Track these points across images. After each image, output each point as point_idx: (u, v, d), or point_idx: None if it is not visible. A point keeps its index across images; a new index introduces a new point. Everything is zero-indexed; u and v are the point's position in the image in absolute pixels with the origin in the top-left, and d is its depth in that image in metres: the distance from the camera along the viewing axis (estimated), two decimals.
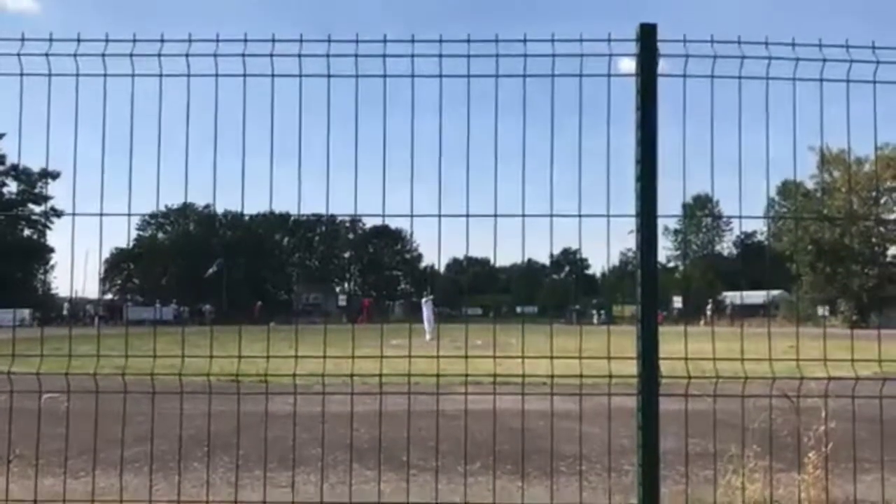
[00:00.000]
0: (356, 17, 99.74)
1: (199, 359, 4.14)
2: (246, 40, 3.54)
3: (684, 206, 4.41)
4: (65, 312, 56.32)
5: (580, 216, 3.64)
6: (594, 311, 70.21)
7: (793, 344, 3.90)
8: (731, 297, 68.84)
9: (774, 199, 71.22)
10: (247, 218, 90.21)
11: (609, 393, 3.76)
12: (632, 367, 3.70)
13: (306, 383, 4.16)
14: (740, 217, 3.89)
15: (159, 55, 3.54)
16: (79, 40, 3.50)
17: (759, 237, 79.87)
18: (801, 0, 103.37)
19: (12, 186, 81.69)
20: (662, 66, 3.58)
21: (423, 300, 30.48)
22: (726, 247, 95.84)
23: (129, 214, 3.77)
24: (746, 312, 60.43)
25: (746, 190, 3.91)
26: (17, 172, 72.42)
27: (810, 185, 54.55)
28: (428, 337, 26.32)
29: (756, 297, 62.32)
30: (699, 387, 3.81)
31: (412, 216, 3.70)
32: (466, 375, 3.68)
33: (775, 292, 62.22)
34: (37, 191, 77.08)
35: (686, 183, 3.86)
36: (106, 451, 5.56)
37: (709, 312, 61.06)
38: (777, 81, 3.66)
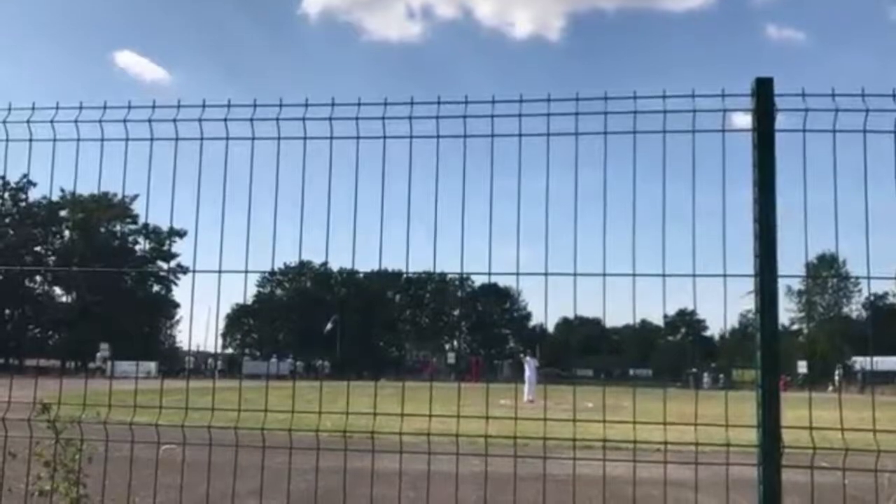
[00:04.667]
0: (463, 83, 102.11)
1: (310, 414, 4.20)
2: (359, 104, 3.66)
3: (807, 265, 4.14)
4: (188, 366, 58.71)
5: (694, 276, 3.51)
6: (705, 374, 67.69)
7: None
8: (862, 362, 64.65)
9: None
10: (360, 275, 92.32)
11: (727, 463, 3.56)
12: (751, 434, 3.49)
13: (413, 441, 4.14)
14: (868, 278, 3.66)
15: (278, 119, 3.70)
16: (204, 106, 3.71)
17: (892, 299, 75.22)
18: None
19: (144, 244, 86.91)
20: (779, 120, 3.46)
21: (526, 359, 30.12)
22: (855, 309, 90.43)
23: (245, 272, 3.91)
24: (879, 379, 56.68)
25: (875, 249, 3.69)
26: (148, 231, 76.92)
27: None
28: (526, 398, 25.87)
29: (890, 363, 58.38)
30: (826, 459, 3.56)
31: (518, 274, 3.68)
32: (575, 440, 3.58)
33: None
34: (165, 248, 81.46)
35: (809, 242, 3.67)
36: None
37: (837, 378, 57.66)
38: None
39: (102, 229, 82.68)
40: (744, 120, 3.55)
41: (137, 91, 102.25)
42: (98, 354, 62.10)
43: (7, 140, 4.13)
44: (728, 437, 3.58)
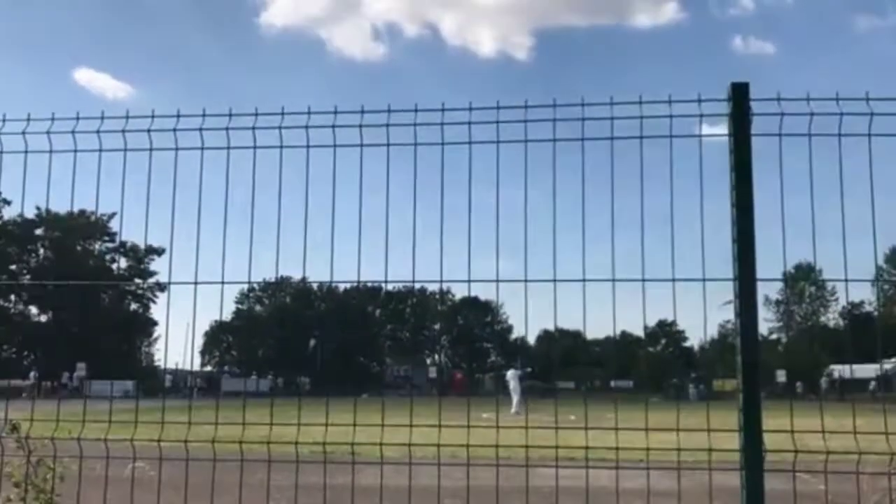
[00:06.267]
0: (429, 101, 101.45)
1: (289, 428, 4.14)
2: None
3: (784, 274, 4.19)
4: (167, 384, 57.99)
5: (673, 280, 3.51)
6: (691, 385, 67.12)
7: None
8: (840, 370, 65.09)
9: (882, 266, 67.88)
10: (340, 290, 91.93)
11: (710, 468, 3.54)
12: (733, 442, 3.48)
13: (395, 455, 4.09)
14: (846, 280, 3.66)
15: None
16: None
17: (868, 307, 76.15)
18: None
19: (119, 262, 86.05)
20: (756, 127, 3.47)
21: (509, 373, 30.21)
22: (832, 318, 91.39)
23: (222, 283, 3.85)
24: (859, 387, 57.24)
25: (851, 257, 3.70)
26: (126, 249, 76.17)
27: None
28: (512, 410, 25.86)
29: (867, 370, 58.88)
30: (808, 464, 3.55)
31: (497, 281, 3.65)
32: (557, 447, 3.55)
33: (889, 364, 58.74)
34: (142, 266, 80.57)
35: (786, 250, 3.68)
36: None
37: (823, 385, 58.08)
38: (881, 139, 3.49)
39: (79, 247, 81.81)
40: (721, 128, 3.56)
41: (101, 108, 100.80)
42: (75, 374, 61.27)
43: None
44: (710, 442, 3.57)
